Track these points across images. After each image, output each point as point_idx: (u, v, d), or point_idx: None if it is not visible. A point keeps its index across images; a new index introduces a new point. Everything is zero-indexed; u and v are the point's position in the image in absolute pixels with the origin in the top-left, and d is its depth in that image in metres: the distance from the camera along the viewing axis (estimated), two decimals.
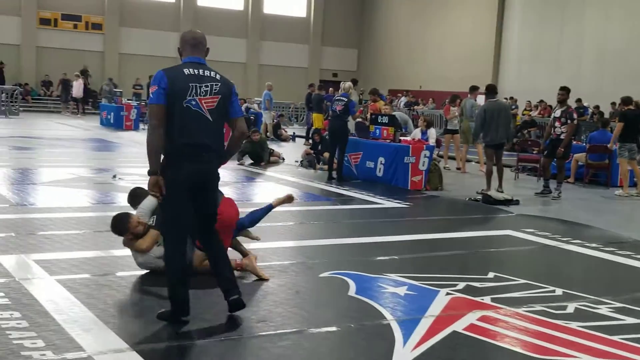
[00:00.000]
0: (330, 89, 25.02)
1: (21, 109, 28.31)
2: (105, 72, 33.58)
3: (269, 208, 6.63)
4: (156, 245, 5.68)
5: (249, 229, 6.55)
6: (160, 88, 4.54)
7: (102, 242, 6.93)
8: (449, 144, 16.59)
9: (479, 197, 11.42)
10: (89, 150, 17.17)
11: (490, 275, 6.52)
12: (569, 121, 11.94)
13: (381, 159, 12.94)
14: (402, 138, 13.31)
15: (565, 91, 12.19)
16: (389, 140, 12.99)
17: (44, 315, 4.69)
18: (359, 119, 14.34)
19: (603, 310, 5.57)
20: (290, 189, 11.87)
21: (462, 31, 33.70)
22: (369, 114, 15.25)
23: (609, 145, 13.81)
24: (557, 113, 12.19)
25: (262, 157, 15.38)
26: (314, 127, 19.79)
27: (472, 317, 5.18)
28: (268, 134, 23.06)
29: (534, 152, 15.73)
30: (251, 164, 15.03)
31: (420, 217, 10.10)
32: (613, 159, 13.97)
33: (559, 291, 6.06)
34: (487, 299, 5.67)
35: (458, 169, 15.90)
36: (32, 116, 27.82)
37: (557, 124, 12.07)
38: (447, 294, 5.76)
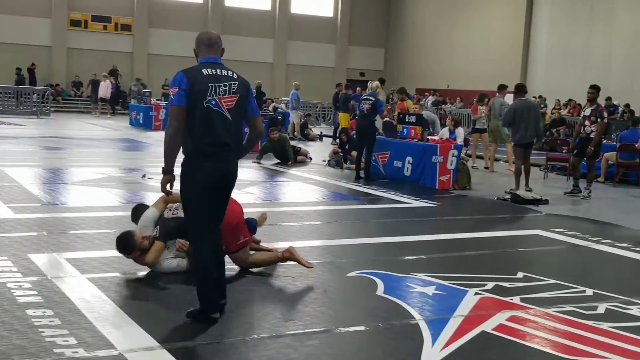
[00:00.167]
0: (358, 88, 25.00)
1: (52, 109, 28.66)
2: (134, 72, 33.88)
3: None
4: (166, 250, 5.80)
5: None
6: (180, 89, 4.58)
7: None
8: (476, 143, 16.49)
9: (508, 196, 11.34)
10: (119, 150, 17.33)
11: (520, 275, 6.48)
12: (599, 120, 11.82)
13: (409, 158, 12.90)
14: (429, 137, 13.26)
15: (595, 89, 12.07)
16: (416, 140, 12.95)
17: (75, 313, 4.75)
18: (386, 118, 14.31)
19: (634, 310, 5.51)
20: (318, 189, 11.94)
21: (489, 30, 33.47)
22: (396, 113, 15.22)
23: (637, 145, 13.63)
24: (587, 111, 12.06)
25: (286, 156, 15.41)
26: (340, 127, 19.79)
27: (501, 317, 5.15)
28: (295, 133, 23.12)
29: (564, 151, 15.60)
30: (277, 164, 15.06)
31: (449, 216, 10.06)
32: None
33: (589, 291, 6.00)
34: (516, 299, 5.64)
35: (486, 168, 15.80)
36: (62, 116, 28.15)
37: (587, 122, 11.95)
38: (476, 293, 5.73)
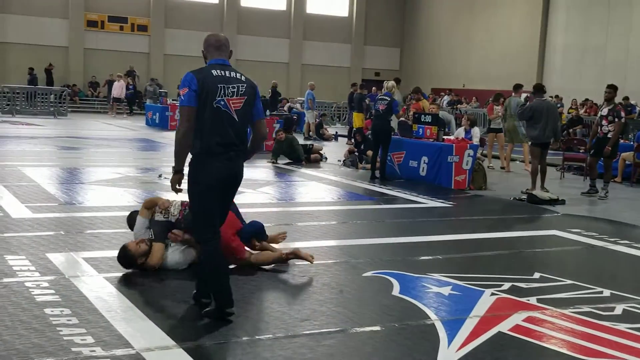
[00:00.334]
0: (374, 88, 24.99)
1: (69, 109, 28.84)
2: (150, 73, 34.06)
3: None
4: (169, 247, 5.93)
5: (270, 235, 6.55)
6: (191, 90, 4.62)
7: None
8: (492, 143, 16.43)
9: (524, 196, 11.29)
10: (135, 150, 17.41)
11: (536, 275, 6.45)
12: (616, 119, 11.74)
13: (424, 158, 12.87)
14: (445, 137, 13.23)
15: (612, 89, 11.99)
16: (432, 140, 12.93)
17: (93, 312, 4.78)
18: (402, 118, 14.30)
19: None
20: (333, 188, 11.93)
21: (505, 29, 33.33)
22: (411, 112, 15.19)
23: None
24: (604, 111, 11.99)
25: (297, 156, 15.37)
26: (355, 127, 19.76)
27: (517, 318, 5.13)
28: (311, 133, 23.14)
29: (580, 151, 15.49)
30: (289, 163, 15.03)
31: (464, 216, 10.03)
32: None
33: (606, 292, 5.97)
34: (532, 300, 5.61)
35: (502, 168, 15.74)
36: (79, 117, 28.33)
37: (604, 122, 11.87)
38: (492, 294, 5.71)
